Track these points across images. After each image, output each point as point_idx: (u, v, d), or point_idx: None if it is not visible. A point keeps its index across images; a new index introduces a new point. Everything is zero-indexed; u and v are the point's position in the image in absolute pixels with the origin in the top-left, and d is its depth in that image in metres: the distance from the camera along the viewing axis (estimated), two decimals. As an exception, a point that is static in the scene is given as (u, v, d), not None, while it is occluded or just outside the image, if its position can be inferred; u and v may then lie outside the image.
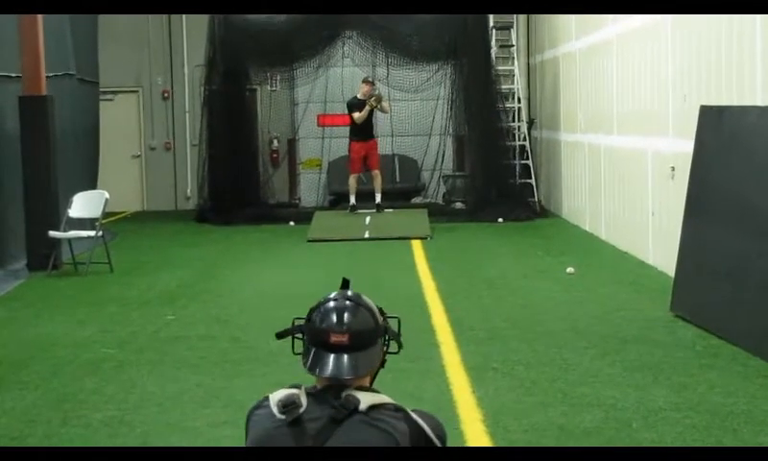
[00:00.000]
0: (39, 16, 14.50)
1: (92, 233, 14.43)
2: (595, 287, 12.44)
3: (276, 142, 23.03)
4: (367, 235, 17.52)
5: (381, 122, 22.32)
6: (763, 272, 8.95)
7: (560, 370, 8.60)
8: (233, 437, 6.92)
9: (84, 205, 14.82)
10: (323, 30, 20.61)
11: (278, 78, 22.30)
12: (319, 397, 3.27)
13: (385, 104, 19.54)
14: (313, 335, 3.32)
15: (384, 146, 22.08)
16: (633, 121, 14.67)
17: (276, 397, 3.28)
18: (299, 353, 3.38)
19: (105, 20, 21.59)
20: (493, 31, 21.29)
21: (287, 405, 3.24)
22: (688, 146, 11.00)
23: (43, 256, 14.19)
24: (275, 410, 3.25)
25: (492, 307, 11.36)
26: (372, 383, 3.40)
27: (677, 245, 10.86)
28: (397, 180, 22.07)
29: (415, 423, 3.24)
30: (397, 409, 3.25)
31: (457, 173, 21.92)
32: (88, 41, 20.36)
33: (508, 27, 21.89)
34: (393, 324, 3.46)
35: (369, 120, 19.18)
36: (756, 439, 6.79)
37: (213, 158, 20.70)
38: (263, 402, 3.33)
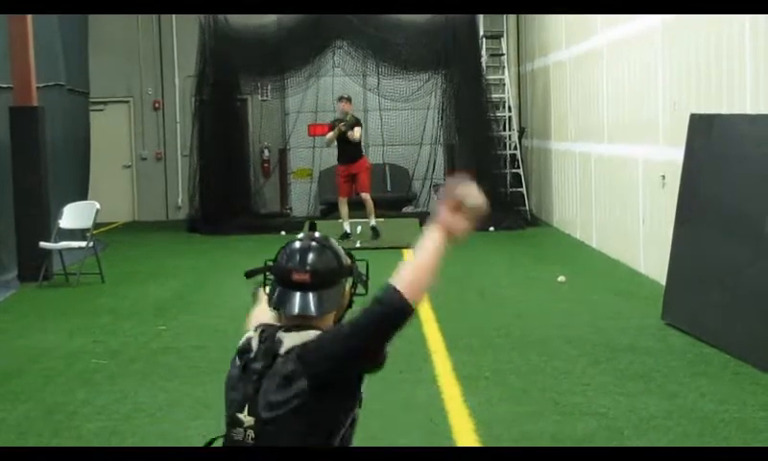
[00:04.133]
0: (29, 26, 14.49)
1: (83, 244, 14.41)
2: (586, 296, 12.45)
3: (266, 152, 23.04)
4: (358, 245, 17.52)
5: (372, 132, 22.36)
6: (754, 280, 8.96)
7: (551, 379, 8.60)
8: (225, 447, 6.91)
9: (74, 215, 14.80)
10: (313, 39, 20.61)
11: (269, 88, 22.32)
12: (264, 338, 3.42)
13: (356, 132, 17.64)
14: (278, 274, 3.45)
15: (375, 155, 22.10)
16: (623, 130, 14.70)
17: (243, 338, 3.50)
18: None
19: (95, 30, 21.58)
20: (484, 40, 21.33)
21: (243, 352, 3.44)
22: (679, 154, 11.02)
23: (34, 267, 14.15)
24: (236, 356, 3.48)
25: (484, 316, 11.36)
26: (336, 321, 3.49)
27: (668, 253, 10.87)
28: (388, 189, 22.07)
29: (305, 345, 3.35)
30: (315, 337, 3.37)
31: (448, 182, 21.90)
32: (79, 51, 20.33)
33: (498, 36, 21.93)
34: (363, 269, 3.59)
35: (353, 142, 17.78)
36: (748, 446, 6.79)
37: (204, 169, 20.70)
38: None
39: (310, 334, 3.35)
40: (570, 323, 10.82)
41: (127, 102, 23.78)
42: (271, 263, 3.52)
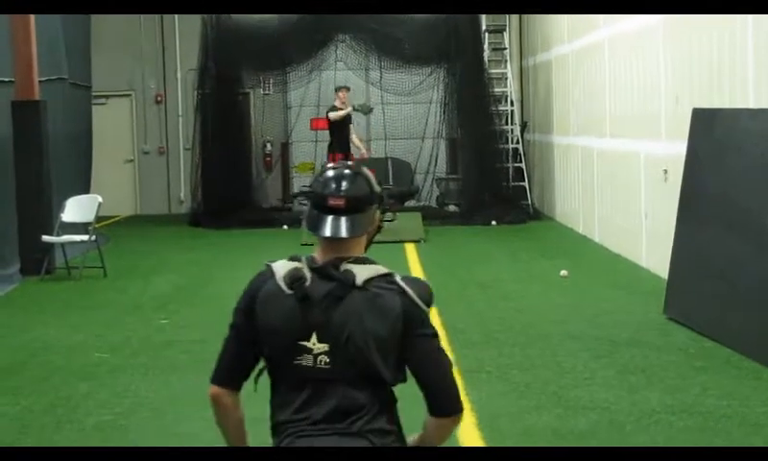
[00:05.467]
0: (32, 20, 14.48)
1: (85, 238, 14.41)
2: (589, 290, 12.44)
3: (269, 146, 23.02)
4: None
5: (375, 126, 22.37)
6: (756, 274, 8.96)
7: (553, 373, 8.60)
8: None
9: (77, 209, 14.80)
10: (315, 33, 20.60)
11: (271, 82, 22.30)
12: (320, 271, 3.50)
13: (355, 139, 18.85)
14: (314, 200, 3.59)
15: (378, 149, 22.12)
16: (625, 124, 14.69)
17: (282, 271, 3.52)
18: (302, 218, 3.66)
19: (97, 24, 21.57)
20: (486, 34, 21.30)
21: (295, 281, 3.49)
22: (681, 149, 11.01)
23: (36, 261, 14.16)
24: (282, 285, 3.50)
25: (486, 311, 11.36)
26: (366, 249, 3.65)
27: (670, 248, 10.87)
28: (391, 183, 22.06)
29: (405, 293, 3.48)
30: (390, 281, 3.49)
31: (450, 176, 21.93)
32: (81, 45, 20.33)
33: (500, 30, 21.90)
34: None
35: (347, 133, 18.64)
36: (750, 441, 6.80)
37: (206, 162, 20.69)
38: (266, 274, 3.58)
39: (379, 269, 3.51)
40: (572, 317, 10.83)
41: (129, 96, 23.77)
42: (308, 189, 3.69)
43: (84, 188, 19.17)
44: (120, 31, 22.83)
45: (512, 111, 21.54)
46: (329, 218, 3.54)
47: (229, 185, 20.45)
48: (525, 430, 7.10)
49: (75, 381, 8.74)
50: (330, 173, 3.62)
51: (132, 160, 23.85)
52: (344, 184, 3.57)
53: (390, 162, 22.09)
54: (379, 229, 3.71)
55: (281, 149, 23.09)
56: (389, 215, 3.99)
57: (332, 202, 3.54)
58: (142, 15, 23.03)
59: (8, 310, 12.24)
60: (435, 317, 10.92)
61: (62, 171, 16.80)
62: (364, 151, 18.95)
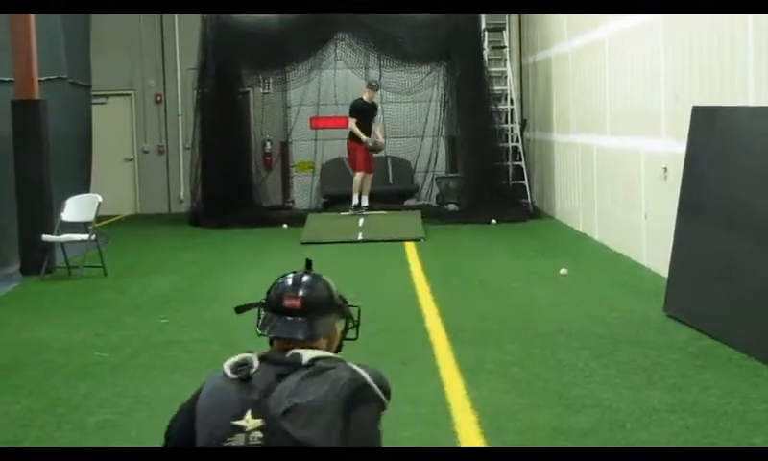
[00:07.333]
0: (32, 20, 14.48)
1: (85, 237, 14.41)
2: (589, 288, 12.44)
3: (268, 145, 23.03)
4: (360, 237, 17.53)
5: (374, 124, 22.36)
6: (756, 272, 8.95)
7: (554, 371, 8.60)
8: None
9: (77, 208, 14.80)
10: (315, 32, 20.61)
11: (271, 80, 22.31)
12: (270, 358, 3.37)
13: (380, 142, 19.65)
14: (270, 303, 3.46)
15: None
16: (625, 122, 14.68)
17: (230, 360, 3.39)
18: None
19: (97, 24, 21.56)
20: (486, 32, 21.29)
21: (239, 366, 3.35)
22: (681, 147, 11.01)
23: (36, 260, 14.16)
24: (227, 371, 3.36)
25: (486, 309, 11.35)
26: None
27: (670, 246, 10.87)
28: (391, 182, 22.06)
29: (354, 370, 3.33)
30: (342, 362, 3.35)
31: (450, 175, 21.93)
32: (81, 45, 20.32)
33: (500, 28, 21.89)
34: (354, 314, 3.60)
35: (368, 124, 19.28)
36: (751, 440, 6.79)
37: (206, 162, 20.69)
38: (218, 372, 3.41)
39: (331, 354, 3.39)
40: (573, 315, 10.82)
41: (129, 95, 23.77)
42: (264, 301, 3.52)
43: (84, 188, 19.15)
44: (120, 30, 22.82)
45: (511, 110, 21.54)
46: (286, 319, 3.40)
47: (229, 184, 20.46)
48: (525, 428, 7.09)
49: (75, 381, 8.74)
50: (288, 276, 3.50)
51: (131, 160, 23.85)
52: (301, 286, 3.44)
53: (389, 161, 22.11)
54: (339, 348, 3.52)
55: (281, 148, 23.09)
56: (351, 333, 3.84)
57: (288, 302, 3.40)
58: (142, 14, 23.03)
59: (8, 309, 12.24)
60: (435, 316, 10.93)
61: (62, 170, 16.79)
62: (381, 139, 19.57)
